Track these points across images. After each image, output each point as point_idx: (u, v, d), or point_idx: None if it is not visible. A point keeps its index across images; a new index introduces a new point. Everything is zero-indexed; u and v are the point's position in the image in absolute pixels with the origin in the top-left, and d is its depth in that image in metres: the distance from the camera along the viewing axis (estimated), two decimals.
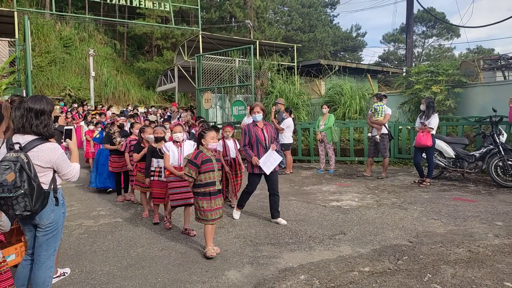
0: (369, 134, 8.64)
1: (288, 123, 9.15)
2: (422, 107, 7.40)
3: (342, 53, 45.85)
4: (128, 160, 6.60)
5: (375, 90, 14.70)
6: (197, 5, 18.30)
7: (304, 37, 37.20)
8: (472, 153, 7.43)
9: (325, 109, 9.27)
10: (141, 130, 6.00)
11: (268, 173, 5.16)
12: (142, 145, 5.93)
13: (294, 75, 15.11)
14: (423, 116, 7.31)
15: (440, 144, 7.58)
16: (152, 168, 5.39)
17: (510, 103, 7.16)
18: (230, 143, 6.24)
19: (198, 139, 4.26)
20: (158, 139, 5.51)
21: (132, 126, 6.86)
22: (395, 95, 12.23)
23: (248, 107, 9.59)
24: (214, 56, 14.04)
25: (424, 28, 43.08)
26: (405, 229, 4.83)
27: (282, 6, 41.29)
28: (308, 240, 4.54)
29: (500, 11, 54.65)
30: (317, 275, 3.59)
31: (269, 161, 5.18)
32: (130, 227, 5.33)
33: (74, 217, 5.89)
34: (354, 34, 46.84)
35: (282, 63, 16.15)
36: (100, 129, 9.57)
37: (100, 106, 19.65)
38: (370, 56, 67.88)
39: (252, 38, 24.17)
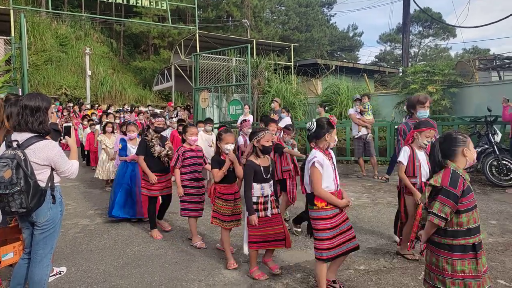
0: (358, 134, 8.44)
1: (286, 122, 9.16)
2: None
3: (339, 52, 45.93)
4: (179, 180, 4.51)
5: (371, 89, 14.76)
6: (194, 4, 18.31)
7: (301, 37, 37.21)
8: None
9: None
10: (218, 138, 4.03)
11: None
12: (222, 157, 3.99)
13: (291, 74, 15.15)
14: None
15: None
16: (254, 199, 3.56)
17: (504, 103, 7.22)
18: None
19: (448, 149, 2.53)
20: (265, 151, 3.59)
21: (185, 130, 4.76)
22: (391, 95, 12.29)
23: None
24: (211, 55, 14.05)
25: (421, 28, 43.20)
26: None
27: (279, 6, 41.31)
28: (304, 239, 4.56)
29: (494, 12, 55.21)
30: (313, 273, 3.61)
31: None
32: (127, 226, 5.33)
33: (70, 216, 5.89)
34: (351, 34, 46.92)
35: (279, 62, 16.18)
36: (116, 135, 7.73)
37: (97, 105, 19.57)
38: (366, 56, 68.20)
39: (249, 37, 24.18)
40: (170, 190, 5.04)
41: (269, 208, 3.59)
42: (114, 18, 24.06)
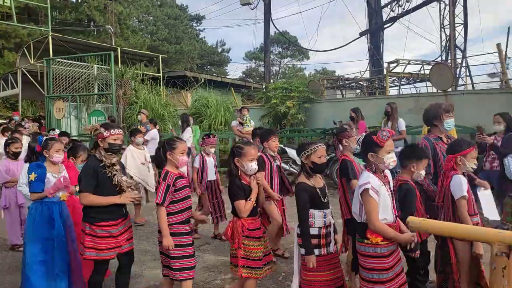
0: None
1: (152, 135, 8.86)
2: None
3: (208, 66, 47.02)
4: (165, 224, 2.91)
5: (238, 103, 15.51)
6: (47, 3, 16.40)
7: (170, 48, 36.86)
8: None
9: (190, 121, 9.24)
10: (237, 153, 2.95)
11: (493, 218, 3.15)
12: (243, 182, 2.94)
13: (160, 85, 14.84)
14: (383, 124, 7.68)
15: (293, 153, 8.45)
16: (315, 231, 2.74)
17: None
18: None
19: None
20: (317, 169, 2.86)
21: (171, 146, 3.07)
22: (256, 108, 13.13)
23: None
24: (68, 61, 12.74)
25: (280, 49, 47.65)
26: None
27: (146, 15, 40.18)
28: None
29: (338, 39, 65.73)
30: None
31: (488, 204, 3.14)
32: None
33: None
34: (219, 50, 48.64)
35: (147, 72, 15.66)
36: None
37: None
38: (234, 71, 71.49)
39: (113, 44, 22.78)
40: (132, 242, 3.20)
41: (332, 245, 2.77)
42: None
